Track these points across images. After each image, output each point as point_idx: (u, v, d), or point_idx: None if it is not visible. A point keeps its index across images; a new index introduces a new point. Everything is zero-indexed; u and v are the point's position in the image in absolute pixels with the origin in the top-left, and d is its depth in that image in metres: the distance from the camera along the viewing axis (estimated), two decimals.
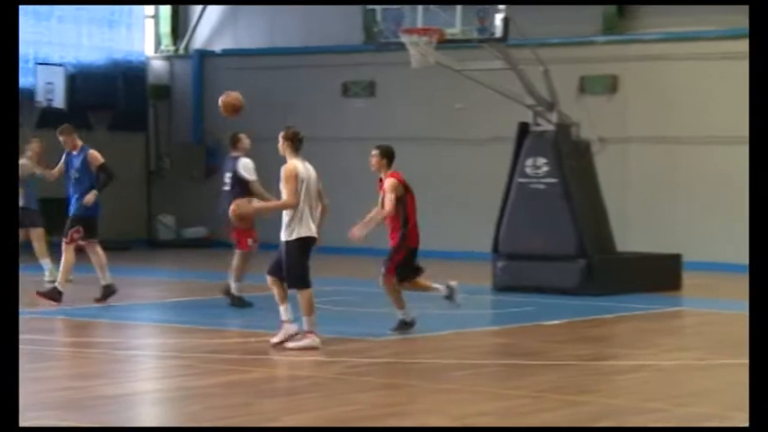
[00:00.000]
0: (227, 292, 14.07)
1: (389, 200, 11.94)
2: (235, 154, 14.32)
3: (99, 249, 14.22)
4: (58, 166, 14.69)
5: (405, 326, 12.03)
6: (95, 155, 14.31)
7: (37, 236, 16.57)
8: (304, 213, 10.81)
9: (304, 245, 10.86)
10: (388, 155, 12.12)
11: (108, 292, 14.23)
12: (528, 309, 14.72)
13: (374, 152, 12.16)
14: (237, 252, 14.06)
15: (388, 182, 11.96)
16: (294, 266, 10.84)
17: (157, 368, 10.50)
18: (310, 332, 10.92)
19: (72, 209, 14.24)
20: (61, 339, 11.69)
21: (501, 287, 16.42)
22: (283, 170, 10.83)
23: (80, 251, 14.31)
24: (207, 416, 8.22)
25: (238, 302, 13.95)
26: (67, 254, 14.13)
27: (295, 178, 10.76)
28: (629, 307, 14.78)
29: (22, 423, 7.15)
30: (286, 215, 10.86)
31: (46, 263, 16.43)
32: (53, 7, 24.15)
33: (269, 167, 13.68)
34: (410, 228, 12.09)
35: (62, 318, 13.25)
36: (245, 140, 14.41)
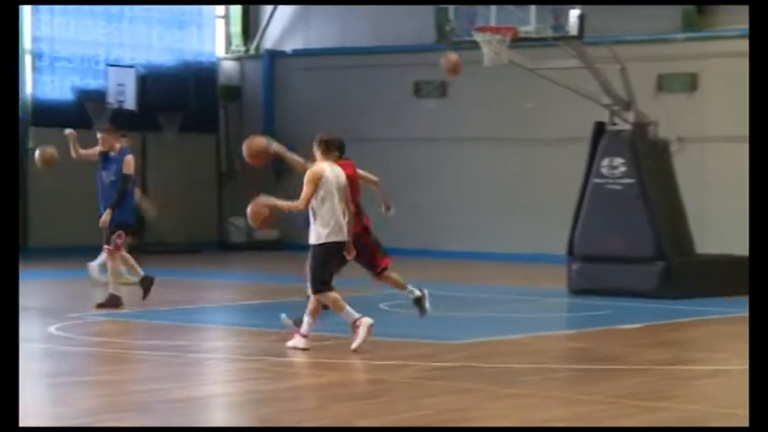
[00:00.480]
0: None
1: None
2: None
3: (121, 256, 14.24)
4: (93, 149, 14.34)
5: (419, 302, 12.16)
6: (130, 161, 14.26)
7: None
8: (331, 218, 10.82)
9: (331, 250, 10.88)
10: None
11: (114, 301, 14.11)
12: (604, 312, 14.66)
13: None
14: None
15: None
16: (317, 270, 10.91)
17: (228, 371, 10.62)
18: (304, 335, 10.96)
19: (112, 216, 14.13)
20: (134, 342, 11.87)
21: (576, 290, 16.36)
22: (308, 172, 10.86)
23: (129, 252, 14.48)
24: (279, 419, 8.31)
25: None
26: (115, 261, 14.19)
27: (315, 182, 10.75)
28: (707, 310, 14.67)
29: (98, 426, 7.28)
30: (313, 219, 10.87)
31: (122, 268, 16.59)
32: (124, 8, 24.45)
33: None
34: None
35: (135, 321, 13.44)
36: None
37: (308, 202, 10.75)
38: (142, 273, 14.42)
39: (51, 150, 14.20)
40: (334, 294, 10.95)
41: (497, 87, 22.53)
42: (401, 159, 24.08)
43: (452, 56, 14.30)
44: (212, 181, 25.72)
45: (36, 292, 16.30)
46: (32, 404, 8.85)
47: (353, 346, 10.87)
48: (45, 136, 23.40)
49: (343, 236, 10.90)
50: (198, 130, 25.15)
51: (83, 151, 14.36)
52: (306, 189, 10.74)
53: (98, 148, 14.32)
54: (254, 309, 15.08)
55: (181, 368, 10.49)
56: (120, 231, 14.15)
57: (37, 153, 14.22)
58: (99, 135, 14.34)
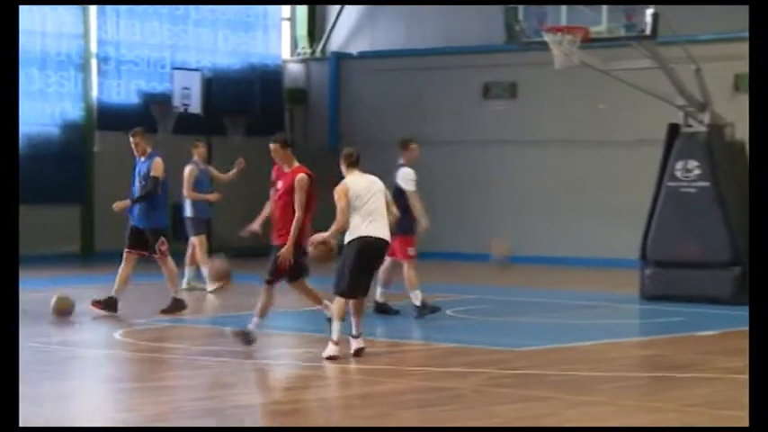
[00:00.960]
0: (425, 305, 13.94)
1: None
2: (401, 161, 14.09)
3: (130, 264, 14.22)
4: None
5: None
6: (158, 164, 14.25)
7: (200, 243, 16.93)
8: (358, 219, 11.06)
9: (356, 248, 11.05)
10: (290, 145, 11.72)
11: (178, 305, 14.15)
12: (678, 319, 14.52)
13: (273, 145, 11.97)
14: (405, 263, 13.97)
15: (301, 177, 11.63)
16: (342, 272, 11.15)
17: (294, 378, 10.65)
18: (336, 342, 11.03)
19: (146, 221, 14.13)
20: (198, 348, 11.94)
21: (649, 296, 16.22)
22: (335, 190, 11.22)
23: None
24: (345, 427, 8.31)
25: (383, 310, 14.01)
26: (168, 265, 14.19)
27: (343, 197, 11.10)
28: None
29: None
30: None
31: (205, 269, 16.51)
32: (189, 11, 24.64)
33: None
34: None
35: (199, 326, 13.53)
36: (415, 150, 14.15)
37: (346, 215, 11.07)
38: (182, 290, 14.25)
39: (68, 302, 13.76)
40: (350, 302, 11.12)
41: (568, 89, 22.42)
42: (468, 162, 24.03)
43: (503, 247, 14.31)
44: None
45: (101, 296, 16.44)
46: (98, 409, 8.94)
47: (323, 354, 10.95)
48: (110, 139, 23.74)
49: (371, 233, 11.02)
50: (263, 134, 25.03)
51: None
52: (338, 205, 11.12)
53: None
54: (319, 314, 15.09)
55: (245, 374, 10.54)
56: (163, 239, 14.16)
57: (54, 301, 13.72)
58: (132, 139, 14.31)
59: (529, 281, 19.36)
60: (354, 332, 11.15)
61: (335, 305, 11.19)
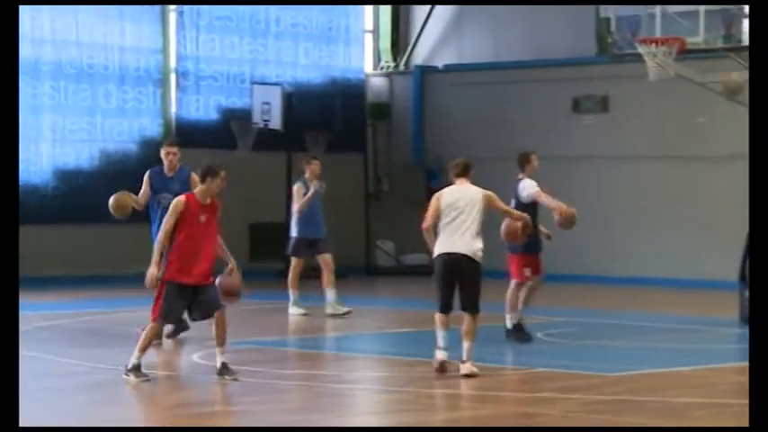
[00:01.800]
0: (516, 329, 13.71)
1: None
2: (521, 176, 13.77)
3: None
4: (144, 186, 13.80)
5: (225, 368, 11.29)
6: (197, 180, 12.91)
7: (295, 265, 16.64)
8: (443, 234, 11.40)
9: (438, 263, 11.40)
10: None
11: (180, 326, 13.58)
12: None
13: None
14: (513, 282, 13.74)
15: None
16: (435, 287, 11.49)
17: (377, 402, 10.65)
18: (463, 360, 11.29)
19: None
20: (278, 371, 11.98)
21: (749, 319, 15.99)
22: None
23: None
24: None
25: (517, 336, 13.67)
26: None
27: (433, 202, 11.52)
28: None
29: None
30: None
31: (331, 293, 16.42)
32: (269, 24, 24.79)
33: (496, 189, 13.74)
34: None
35: (279, 349, 13.59)
36: (535, 161, 13.85)
37: (428, 221, 11.42)
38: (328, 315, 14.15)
39: (126, 198, 13.49)
40: (440, 316, 11.42)
41: (662, 102, 22.24)
42: (556, 179, 23.89)
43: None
44: (359, 203, 25.84)
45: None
46: None
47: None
48: (188, 156, 23.91)
49: (449, 248, 11.32)
50: (345, 150, 25.23)
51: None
52: (428, 209, 11.51)
53: (146, 182, 13.62)
54: (403, 337, 15.10)
55: (327, 398, 10.56)
56: None
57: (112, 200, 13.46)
58: (171, 150, 13.71)
59: (619, 302, 19.20)
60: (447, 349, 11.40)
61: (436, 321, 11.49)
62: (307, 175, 16.94)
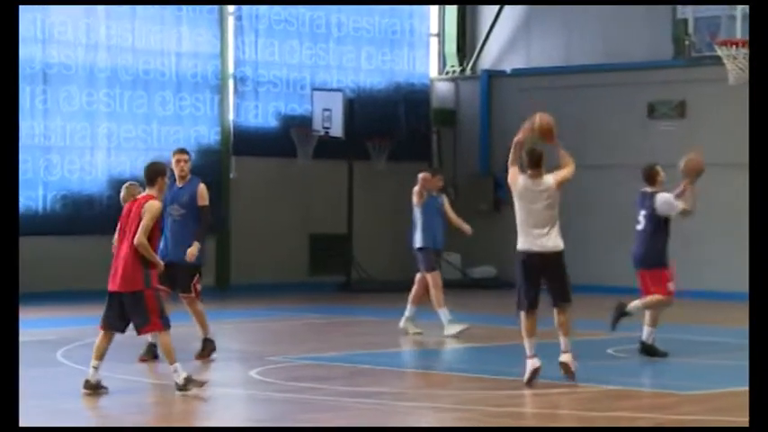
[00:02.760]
0: (648, 344, 13.77)
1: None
2: (650, 189, 14.04)
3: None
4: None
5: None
6: (205, 190, 13.31)
7: (434, 279, 16.11)
8: (523, 228, 11.75)
9: (519, 260, 11.73)
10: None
11: (210, 346, 13.47)
12: None
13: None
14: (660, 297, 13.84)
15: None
16: (517, 284, 11.80)
17: (438, 421, 10.55)
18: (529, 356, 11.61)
19: (182, 256, 12.96)
20: (336, 388, 11.92)
21: None
22: None
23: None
24: None
25: (649, 351, 13.72)
26: (198, 306, 13.31)
27: (510, 178, 12.03)
28: None
29: None
30: None
31: (444, 312, 15.94)
32: (330, 28, 24.80)
33: (565, 195, 13.62)
34: None
35: (339, 365, 13.52)
36: (662, 173, 14.17)
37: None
38: (210, 332, 13.44)
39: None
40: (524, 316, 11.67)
41: (743, 107, 21.94)
42: (631, 188, 23.66)
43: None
44: None
45: (236, 332, 16.62)
46: None
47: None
48: (247, 165, 24.05)
49: (535, 246, 11.62)
50: (409, 158, 25.09)
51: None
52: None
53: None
54: (466, 353, 14.99)
55: (385, 417, 10.48)
56: (198, 276, 13.25)
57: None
58: (182, 157, 13.39)
59: (697, 317, 18.99)
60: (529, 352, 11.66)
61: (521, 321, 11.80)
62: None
